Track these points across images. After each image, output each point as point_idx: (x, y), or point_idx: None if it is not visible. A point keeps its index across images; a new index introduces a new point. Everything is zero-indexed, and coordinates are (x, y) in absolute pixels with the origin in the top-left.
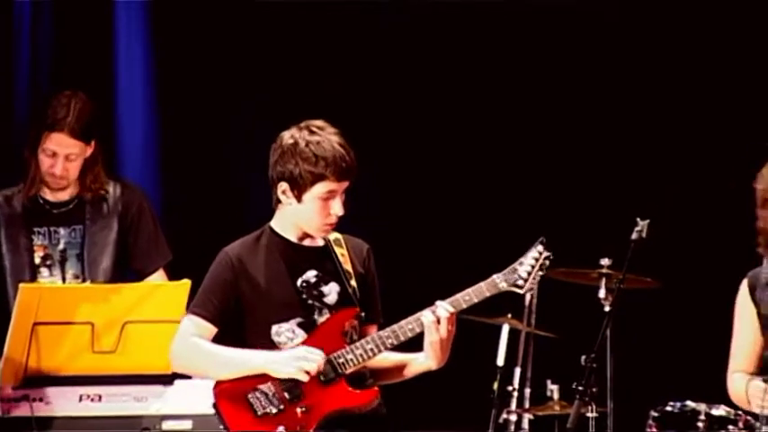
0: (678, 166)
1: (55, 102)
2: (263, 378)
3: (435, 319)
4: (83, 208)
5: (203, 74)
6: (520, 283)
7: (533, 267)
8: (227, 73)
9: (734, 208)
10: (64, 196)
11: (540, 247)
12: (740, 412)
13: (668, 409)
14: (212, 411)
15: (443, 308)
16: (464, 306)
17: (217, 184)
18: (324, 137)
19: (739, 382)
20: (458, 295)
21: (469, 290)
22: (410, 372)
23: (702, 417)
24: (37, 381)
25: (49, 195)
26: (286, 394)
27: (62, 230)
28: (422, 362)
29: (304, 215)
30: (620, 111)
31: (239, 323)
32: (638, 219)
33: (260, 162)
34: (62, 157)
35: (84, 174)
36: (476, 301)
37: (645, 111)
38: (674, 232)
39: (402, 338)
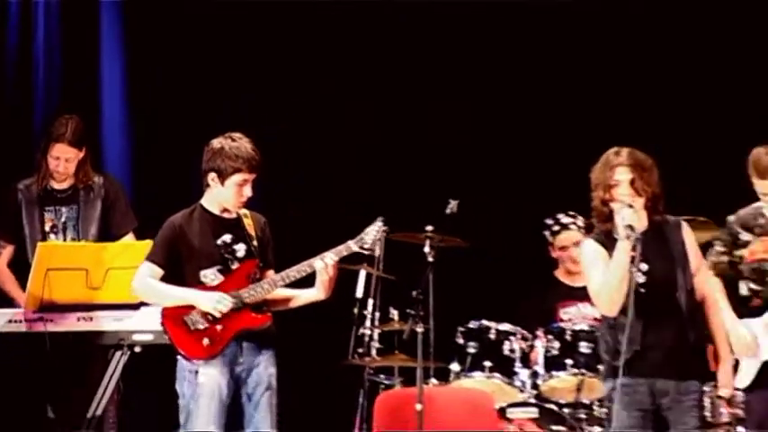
0: (481, 161)
1: (57, 122)
2: (194, 306)
3: (325, 265)
4: (77, 194)
5: (170, 94)
6: (366, 246)
7: (375, 236)
8: (191, 92)
9: (515, 193)
10: (65, 186)
11: (380, 222)
12: (518, 328)
13: (470, 325)
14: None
15: (330, 257)
16: (338, 258)
17: (169, 174)
18: (240, 143)
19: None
20: (328, 252)
21: (334, 249)
22: (298, 302)
23: (493, 331)
24: (49, 307)
25: (55, 185)
26: (209, 317)
27: (64, 209)
28: (313, 294)
29: (225, 196)
30: (441, 109)
31: (179, 269)
32: (450, 199)
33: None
34: (63, 159)
35: (78, 170)
36: (338, 258)
37: (460, 108)
38: (477, 207)
39: (287, 281)
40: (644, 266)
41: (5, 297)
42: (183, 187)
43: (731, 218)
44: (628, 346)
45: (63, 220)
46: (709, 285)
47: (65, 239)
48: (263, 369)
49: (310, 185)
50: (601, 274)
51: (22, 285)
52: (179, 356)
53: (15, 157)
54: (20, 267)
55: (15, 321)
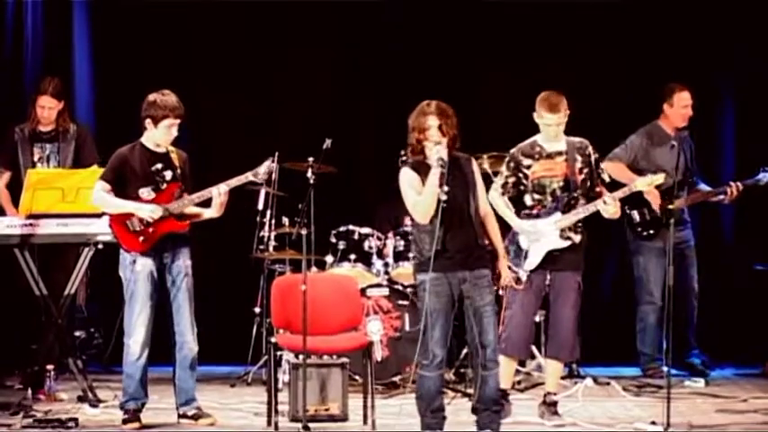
0: (349, 112)
1: (42, 81)
2: (134, 214)
3: (218, 192)
4: (58, 135)
5: (124, 65)
6: (259, 177)
7: (266, 170)
8: (137, 63)
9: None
10: (49, 129)
11: (269, 161)
12: (375, 230)
13: (340, 229)
14: None
15: (222, 188)
16: (232, 186)
17: (122, 121)
18: (168, 97)
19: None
20: (229, 180)
21: (229, 180)
22: (202, 218)
23: (357, 233)
24: (35, 216)
25: (42, 128)
26: (144, 221)
27: (48, 146)
28: (211, 213)
29: (158, 135)
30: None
31: (124, 187)
32: (326, 138)
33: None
34: (47, 107)
35: (58, 118)
36: (228, 189)
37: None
38: (346, 143)
39: (199, 201)
40: (446, 188)
41: (2, 210)
42: (131, 131)
43: (513, 150)
44: (433, 246)
45: (47, 153)
46: (489, 206)
47: (48, 168)
48: (182, 261)
49: (223, 130)
50: (415, 194)
51: (15, 202)
52: (121, 249)
53: (10, 108)
54: (17, 187)
55: (11, 226)
